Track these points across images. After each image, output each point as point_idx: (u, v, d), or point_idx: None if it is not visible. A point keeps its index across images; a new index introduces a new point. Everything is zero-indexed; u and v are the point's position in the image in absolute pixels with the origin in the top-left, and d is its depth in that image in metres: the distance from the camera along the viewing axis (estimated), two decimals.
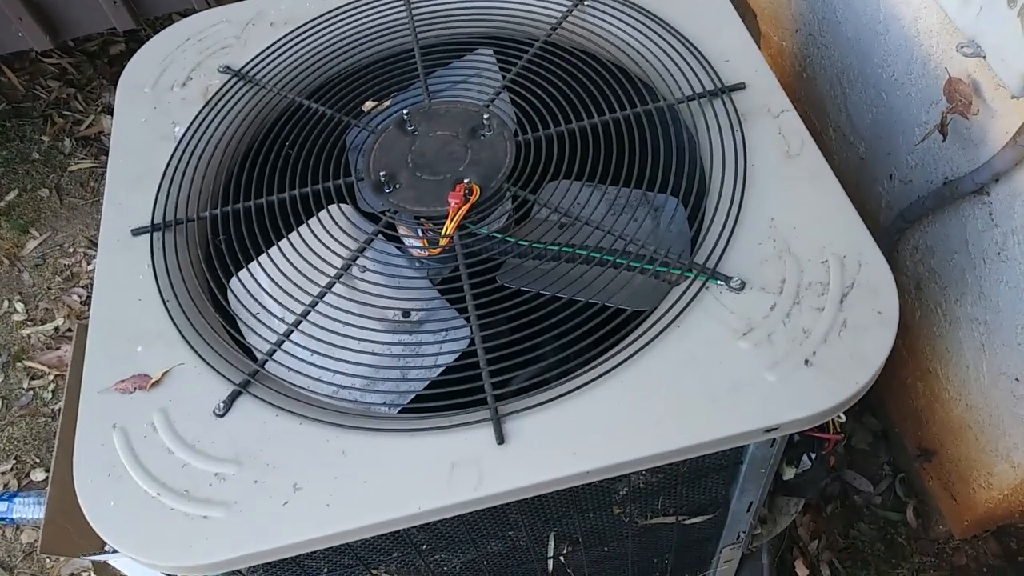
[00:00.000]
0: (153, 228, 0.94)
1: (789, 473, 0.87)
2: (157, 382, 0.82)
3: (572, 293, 0.86)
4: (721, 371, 0.75)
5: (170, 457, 0.77)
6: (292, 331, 0.85)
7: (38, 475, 1.68)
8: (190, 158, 1.00)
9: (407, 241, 0.97)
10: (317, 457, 0.75)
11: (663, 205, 0.97)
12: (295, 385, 0.82)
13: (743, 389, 0.74)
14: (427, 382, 0.88)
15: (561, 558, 0.91)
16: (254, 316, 0.88)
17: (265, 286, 0.90)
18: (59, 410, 1.73)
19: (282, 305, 0.87)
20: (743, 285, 0.80)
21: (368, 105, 1.03)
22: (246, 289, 0.90)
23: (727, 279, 0.80)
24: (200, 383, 0.81)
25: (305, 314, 0.86)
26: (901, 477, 1.48)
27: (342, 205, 0.97)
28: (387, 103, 1.03)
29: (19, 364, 1.84)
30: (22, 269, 1.99)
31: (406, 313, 0.95)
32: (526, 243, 0.88)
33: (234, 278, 0.92)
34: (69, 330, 1.87)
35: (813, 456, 0.88)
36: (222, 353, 0.84)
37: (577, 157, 0.95)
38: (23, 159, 2.19)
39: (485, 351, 0.81)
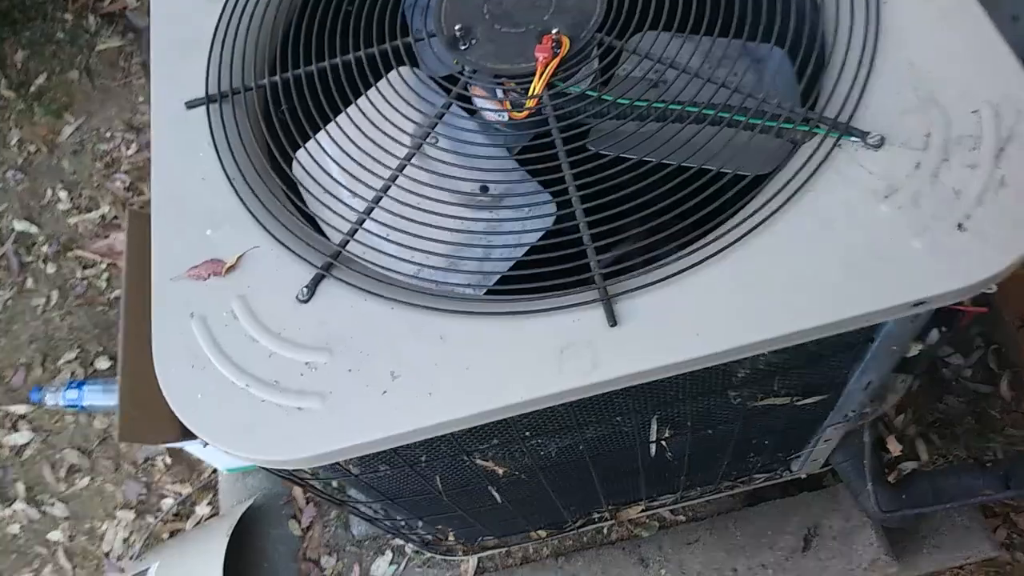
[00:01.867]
0: (208, 100, 0.85)
1: (915, 349, 0.80)
2: (233, 267, 0.76)
3: (681, 159, 0.76)
4: (861, 239, 0.67)
5: (255, 346, 0.72)
6: (372, 209, 0.78)
7: (102, 363, 1.68)
8: (240, 18, 0.90)
9: (480, 104, 0.87)
10: (414, 343, 0.69)
11: (766, 57, 0.86)
12: (376, 265, 0.76)
13: (887, 258, 0.66)
14: (511, 262, 0.81)
15: (663, 442, 0.86)
16: (327, 192, 0.81)
17: (334, 162, 0.82)
18: (115, 299, 1.71)
19: (355, 179, 0.80)
20: (882, 141, 0.70)
21: None
22: (316, 163, 0.82)
23: (863, 134, 0.70)
24: (279, 267, 0.75)
25: (382, 192, 0.78)
26: (995, 348, 1.41)
27: (408, 69, 0.87)
28: None
29: (70, 254, 1.81)
30: (61, 156, 1.92)
31: (484, 188, 0.86)
32: (627, 101, 0.78)
33: (299, 153, 0.84)
34: (116, 218, 1.82)
35: (943, 330, 0.80)
36: (298, 234, 0.77)
37: (665, 6, 0.83)
38: (48, 39, 2.08)
39: (588, 226, 0.73)
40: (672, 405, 0.80)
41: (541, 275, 0.71)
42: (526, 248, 0.81)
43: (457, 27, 0.80)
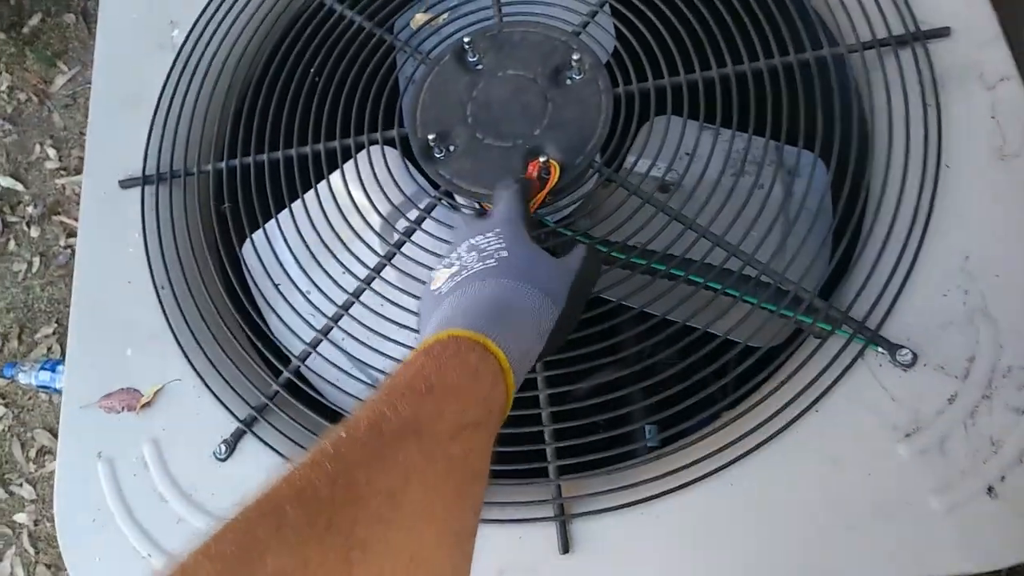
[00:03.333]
0: (145, 180, 0.74)
1: None
2: (149, 403, 0.67)
3: (663, 310, 0.65)
4: (868, 486, 0.56)
5: (163, 507, 0.63)
6: (330, 329, 0.68)
7: None
8: (190, 80, 0.77)
9: (464, 209, 0.75)
10: None
11: (799, 169, 0.72)
12: (324, 396, 0.67)
13: (895, 517, 0.55)
14: None
15: None
16: (280, 295, 0.70)
17: (292, 256, 0.71)
18: None
19: (314, 285, 0.69)
20: (913, 360, 0.58)
21: (418, 18, 0.77)
22: (274, 254, 0.72)
23: (892, 348, 0.58)
24: (199, 410, 0.66)
25: (343, 309, 0.68)
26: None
27: (393, 151, 0.75)
28: (443, 16, 0.77)
29: (55, 217, 1.73)
30: (52, 109, 1.81)
31: None
32: (604, 250, 0.66)
33: (256, 236, 0.73)
34: None
35: None
36: (224, 371, 0.67)
37: (685, 108, 0.69)
38: None
39: (552, 415, 0.62)
40: None
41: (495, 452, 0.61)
42: None
43: (431, 135, 0.68)
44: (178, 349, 0.68)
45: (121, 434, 0.66)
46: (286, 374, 0.67)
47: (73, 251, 1.65)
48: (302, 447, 0.63)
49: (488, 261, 0.49)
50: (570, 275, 0.50)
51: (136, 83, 0.78)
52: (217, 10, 0.79)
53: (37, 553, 1.52)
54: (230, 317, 0.70)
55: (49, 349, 1.62)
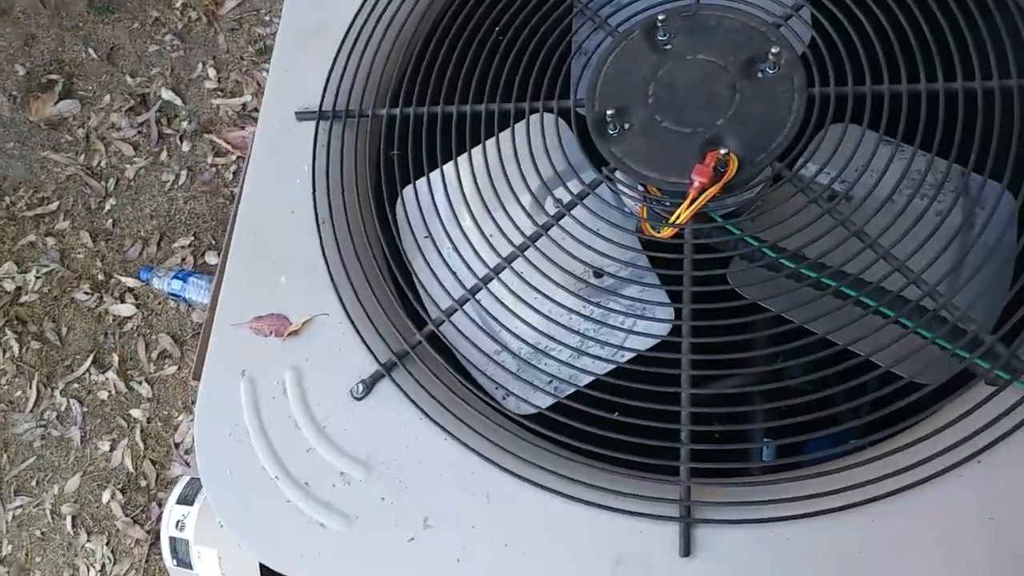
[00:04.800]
0: (320, 115, 0.76)
1: None
2: (296, 331, 0.69)
3: (824, 329, 0.62)
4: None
5: (296, 434, 0.65)
6: (479, 289, 0.68)
7: (212, 258, 1.70)
8: (377, 21, 0.78)
9: (624, 192, 0.74)
10: (458, 492, 0.61)
11: (983, 196, 0.67)
12: (459, 351, 0.67)
13: None
14: (608, 367, 0.69)
15: None
16: (434, 248, 0.71)
17: (446, 209, 0.72)
18: (234, 195, 1.70)
19: (468, 244, 0.70)
20: None
21: None
22: (420, 211, 0.72)
23: None
24: (342, 347, 0.68)
25: (498, 270, 0.68)
26: None
27: (560, 120, 0.74)
28: None
29: (207, 135, 1.81)
30: (218, 31, 1.89)
31: (598, 273, 0.75)
32: (773, 255, 0.63)
33: (402, 198, 0.74)
34: (255, 109, 1.78)
35: None
36: (372, 312, 0.68)
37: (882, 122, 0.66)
38: None
39: (691, 399, 0.61)
40: None
41: (623, 443, 0.61)
42: (628, 357, 0.70)
43: (610, 110, 0.66)
44: (330, 283, 0.69)
45: (266, 357, 0.68)
46: (430, 326, 0.67)
47: (219, 170, 1.73)
48: (438, 401, 0.64)
49: None
50: None
51: (325, 15, 0.80)
52: None
53: (146, 449, 1.62)
54: (383, 261, 0.71)
55: (183, 260, 1.71)
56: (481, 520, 0.60)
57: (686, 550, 0.56)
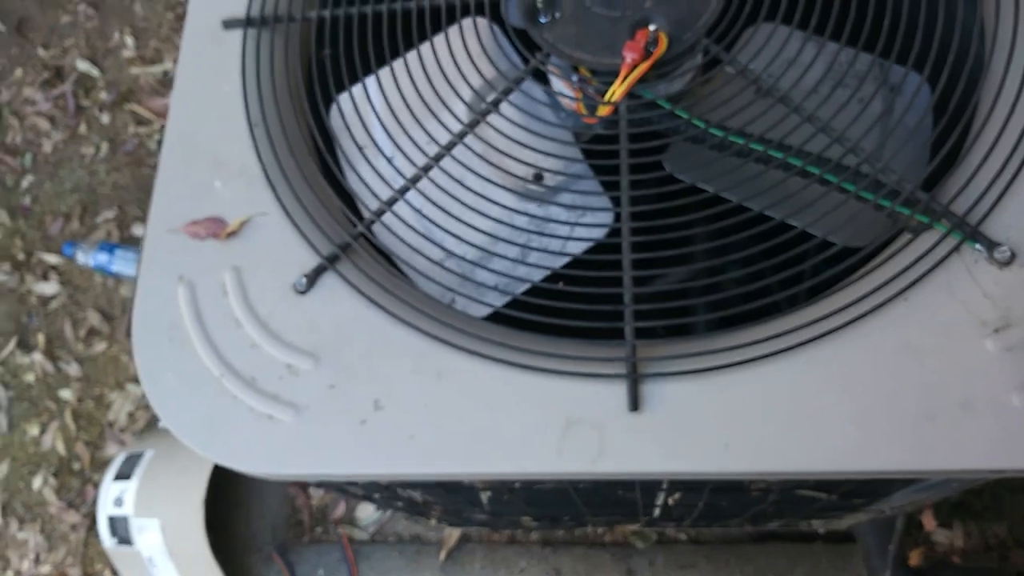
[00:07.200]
0: (248, 22, 0.75)
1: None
2: (234, 232, 0.68)
3: (761, 205, 0.64)
4: (951, 378, 0.55)
5: (238, 331, 0.64)
6: (408, 189, 0.68)
7: (138, 229, 1.65)
8: None
9: (556, 85, 0.75)
10: (407, 373, 0.61)
11: (903, 85, 0.71)
12: (396, 255, 0.67)
13: (976, 411, 0.54)
14: (548, 271, 0.70)
15: (670, 505, 0.78)
16: (362, 156, 0.71)
17: (377, 118, 0.72)
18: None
19: (396, 147, 0.69)
20: (1011, 257, 0.57)
21: None
22: (358, 116, 0.72)
23: (991, 245, 0.57)
24: (283, 243, 0.67)
25: (423, 172, 0.68)
26: None
27: (484, 20, 0.75)
28: None
29: (127, 105, 1.75)
30: None
31: (539, 176, 0.75)
32: (705, 126, 0.65)
33: (341, 98, 0.73)
34: None
35: None
36: (310, 208, 0.68)
37: (799, 5, 0.68)
38: None
39: (633, 266, 0.62)
40: (685, 490, 0.71)
41: (569, 311, 0.62)
42: (568, 259, 0.71)
43: None
44: (266, 184, 0.68)
45: (204, 260, 0.67)
46: (370, 216, 0.67)
47: (142, 139, 1.68)
48: (383, 287, 0.64)
49: None
50: None
51: None
52: None
53: (78, 430, 1.56)
54: (319, 161, 0.70)
55: (108, 233, 1.66)
56: (432, 397, 0.60)
57: (634, 404, 0.57)
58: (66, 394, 1.57)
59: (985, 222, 0.58)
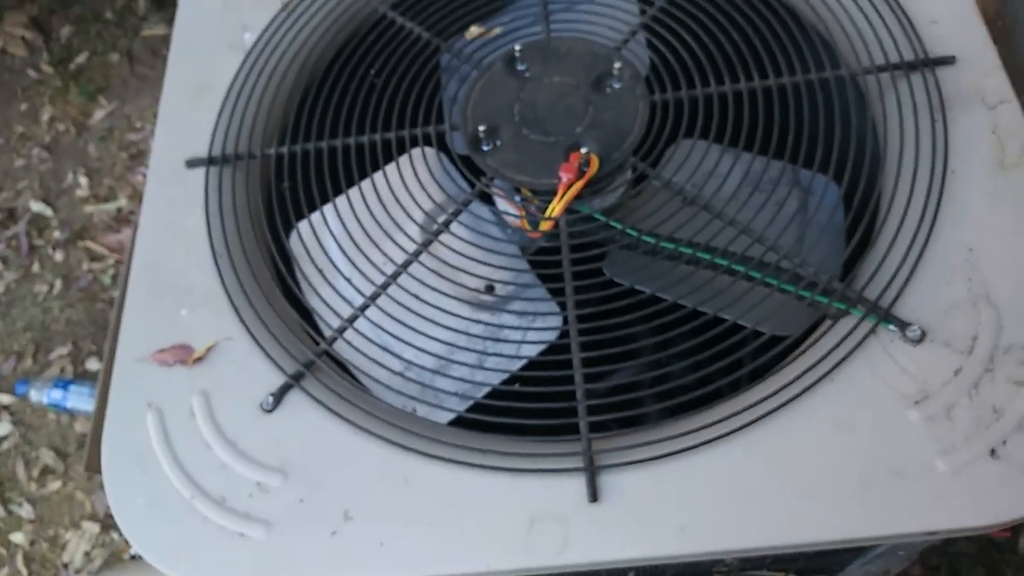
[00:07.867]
0: (210, 161, 0.80)
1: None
2: (200, 357, 0.70)
3: (695, 302, 0.70)
4: (880, 449, 0.60)
5: (208, 453, 0.66)
6: (367, 306, 0.72)
7: (93, 364, 1.64)
8: (258, 76, 0.84)
9: (500, 205, 0.81)
10: (374, 481, 0.63)
11: (813, 186, 0.79)
12: (358, 368, 0.70)
13: (905, 477, 0.58)
14: (505, 375, 0.74)
15: None
16: (323, 279, 0.75)
17: (336, 242, 0.76)
18: (114, 299, 1.67)
19: (355, 268, 0.74)
20: (922, 336, 0.63)
21: (472, 31, 0.85)
22: (317, 241, 0.77)
23: (903, 325, 0.63)
24: (249, 366, 0.70)
25: (382, 289, 0.73)
26: None
27: (432, 150, 0.81)
28: (495, 30, 0.85)
29: (80, 243, 1.78)
30: (88, 140, 1.89)
31: (490, 287, 0.80)
32: (639, 235, 0.71)
33: (301, 225, 0.78)
34: (132, 212, 1.78)
35: None
36: (275, 331, 0.71)
37: (714, 123, 0.76)
38: (96, 18, 2.05)
39: (583, 364, 0.67)
40: (650, 575, 0.73)
41: (526, 410, 0.65)
42: (523, 362, 0.75)
43: (482, 127, 0.74)
44: (231, 309, 0.72)
45: (172, 386, 0.69)
46: (332, 334, 0.71)
47: (96, 275, 1.70)
48: (347, 400, 0.67)
49: None
50: None
51: (207, 75, 0.85)
52: (287, 18, 0.86)
53: (30, 574, 1.50)
54: (281, 285, 0.74)
55: (63, 369, 1.65)
56: (400, 504, 0.62)
57: (593, 496, 0.60)
58: (18, 538, 1.52)
59: (896, 304, 0.64)
